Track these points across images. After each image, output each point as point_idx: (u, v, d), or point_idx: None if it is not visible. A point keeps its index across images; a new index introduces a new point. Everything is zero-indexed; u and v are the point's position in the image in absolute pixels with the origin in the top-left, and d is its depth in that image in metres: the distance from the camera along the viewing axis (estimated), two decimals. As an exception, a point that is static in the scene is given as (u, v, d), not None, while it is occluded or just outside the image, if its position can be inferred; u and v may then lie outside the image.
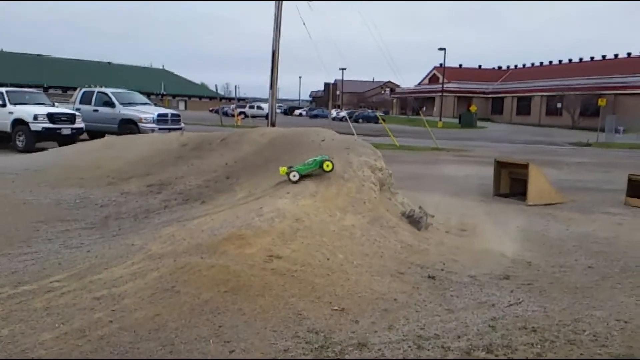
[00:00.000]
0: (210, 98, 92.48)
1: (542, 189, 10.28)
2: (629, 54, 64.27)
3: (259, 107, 63.02)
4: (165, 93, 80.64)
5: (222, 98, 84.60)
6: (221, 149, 9.70)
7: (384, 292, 4.80)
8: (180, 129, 18.87)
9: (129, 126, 18.96)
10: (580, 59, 71.26)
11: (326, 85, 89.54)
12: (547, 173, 11.96)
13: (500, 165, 11.42)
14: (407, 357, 3.58)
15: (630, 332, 4.11)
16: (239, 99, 74.75)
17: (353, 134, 21.88)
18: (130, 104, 20.54)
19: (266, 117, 27.57)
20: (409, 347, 3.73)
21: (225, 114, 58.00)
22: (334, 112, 58.69)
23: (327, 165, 6.76)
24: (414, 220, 6.94)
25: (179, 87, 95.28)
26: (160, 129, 18.56)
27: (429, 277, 5.31)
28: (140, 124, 19.01)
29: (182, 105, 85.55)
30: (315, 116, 70.10)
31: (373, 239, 6.04)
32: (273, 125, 22.17)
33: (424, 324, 4.15)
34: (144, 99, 22.73)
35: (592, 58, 69.51)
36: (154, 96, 66.67)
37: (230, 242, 5.09)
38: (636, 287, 5.26)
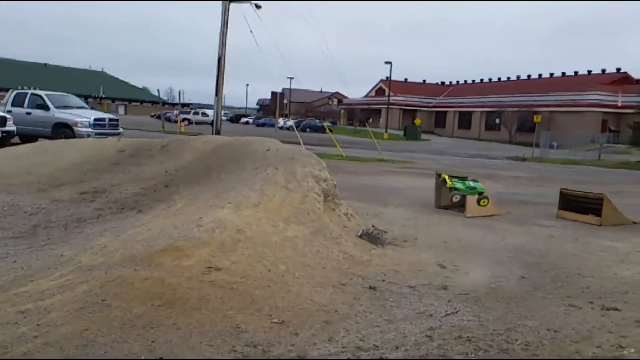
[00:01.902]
0: (153, 103, 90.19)
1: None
2: (563, 74, 67.77)
3: (204, 114, 62.04)
4: (104, 96, 78.11)
5: (165, 103, 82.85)
6: (161, 156, 9.47)
7: (325, 303, 4.80)
8: (118, 134, 18.34)
9: (63, 130, 18.24)
10: (518, 77, 74.52)
11: (273, 93, 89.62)
12: (485, 186, 12.39)
13: (440, 178, 11.72)
14: (346, 369, 3.60)
15: (559, 342, 4.29)
16: (183, 105, 73.51)
17: (300, 144, 21.95)
18: (65, 107, 19.76)
19: (211, 124, 27.18)
20: (348, 358, 3.74)
21: (168, 119, 56.76)
22: (281, 121, 58.65)
23: (484, 202, 7.30)
24: (374, 238, 7.07)
25: (119, 90, 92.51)
26: (96, 134, 17.98)
27: (370, 288, 5.36)
28: (75, 129, 18.33)
29: (122, 110, 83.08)
30: (262, 125, 69.81)
31: (316, 250, 6.05)
32: (218, 133, 21.93)
33: (364, 335, 4.18)
34: (81, 102, 21.96)
35: (529, 76, 72.87)
36: (92, 99, 64.48)
37: (166, 253, 4.96)
38: (566, 297, 5.51)
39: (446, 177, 7.17)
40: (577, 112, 54.39)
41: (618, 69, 61.68)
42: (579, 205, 10.80)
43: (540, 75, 71.11)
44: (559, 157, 37.25)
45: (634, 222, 10.46)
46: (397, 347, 3.98)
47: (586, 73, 64.54)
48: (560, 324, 4.68)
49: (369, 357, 3.77)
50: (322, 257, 5.87)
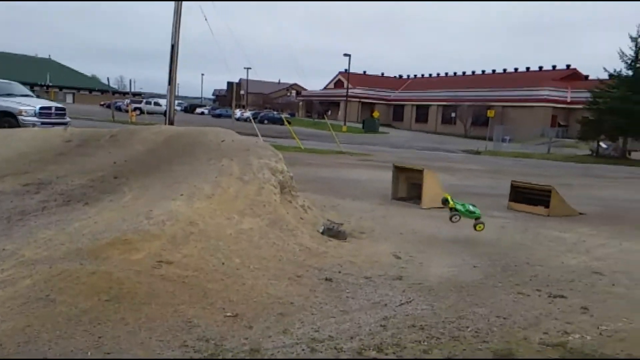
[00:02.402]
0: (102, 92, 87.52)
1: (436, 193, 10.78)
2: (516, 70, 69.72)
3: (157, 104, 60.57)
4: (51, 84, 75.36)
5: (115, 92, 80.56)
6: (110, 147, 9.20)
7: (281, 296, 4.79)
8: (65, 123, 17.70)
9: (6, 119, 17.43)
10: (473, 72, 76.16)
11: (229, 84, 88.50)
12: (441, 178, 12.61)
13: (398, 170, 11.86)
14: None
15: (508, 328, 4.42)
16: (134, 94, 71.74)
17: (257, 135, 21.79)
18: (8, 95, 18.89)
19: (164, 114, 26.59)
20: (302, 350, 3.74)
21: (119, 109, 55.23)
22: (238, 112, 58.06)
23: (479, 227, 7.56)
24: (337, 233, 7.06)
25: (67, 78, 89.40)
26: (42, 123, 17.29)
27: (326, 279, 5.37)
28: (19, 117, 17.56)
29: (69, 99, 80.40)
30: (219, 115, 68.84)
31: (272, 242, 6.01)
32: (171, 123, 21.44)
33: (319, 326, 4.18)
34: (25, 90, 21.04)
35: (483, 72, 74.57)
36: (38, 88, 62.12)
37: (114, 247, 4.83)
38: (515, 285, 5.68)
39: (448, 197, 7.38)
40: (528, 107, 56.09)
41: (568, 66, 63.89)
42: (529, 197, 11.13)
43: (494, 71, 72.91)
44: (511, 150, 38.33)
45: (580, 213, 10.87)
46: (352, 337, 4.00)
47: (538, 69, 66.56)
48: (510, 311, 4.82)
49: (323, 348, 3.78)
50: (278, 250, 5.85)
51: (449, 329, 4.30)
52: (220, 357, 3.55)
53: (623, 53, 35.39)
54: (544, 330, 4.42)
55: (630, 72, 35.34)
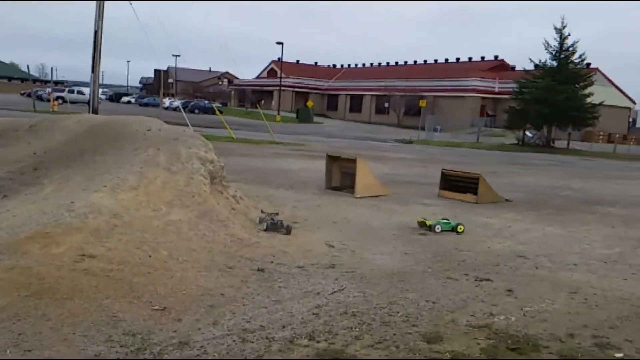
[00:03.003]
0: (23, 80, 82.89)
1: (368, 182, 11.01)
2: (446, 60, 71.79)
3: (80, 92, 57.92)
4: (-36, 72, 70.47)
5: (36, 80, 76.43)
6: (29, 137, 8.73)
7: (211, 287, 4.74)
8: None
9: None
10: (405, 63, 77.77)
11: (157, 71, 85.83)
12: (373, 167, 12.86)
13: (331, 160, 11.97)
14: (231, 351, 3.58)
15: (437, 312, 4.59)
16: (56, 82, 68.21)
17: (187, 125, 21.31)
18: None
19: (88, 103, 25.52)
20: (233, 341, 3.72)
21: (40, 98, 52.38)
22: (166, 101, 56.49)
23: (460, 228, 7.96)
24: (280, 227, 6.94)
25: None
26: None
27: (259, 270, 5.37)
28: None
29: (-14, 87, 75.50)
30: (146, 104, 66.74)
31: (201, 234, 5.94)
32: (95, 112, 20.57)
33: (250, 317, 4.18)
34: None
35: (415, 62, 76.31)
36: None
37: (34, 240, 4.62)
38: (444, 270, 5.90)
39: (421, 220, 8.13)
40: (458, 97, 57.94)
41: (496, 57, 66.42)
42: (458, 185, 11.56)
43: (425, 61, 74.75)
44: (442, 139, 39.53)
45: (507, 200, 11.41)
46: (284, 327, 4.03)
47: (467, 60, 68.85)
48: (438, 296, 5.01)
49: (255, 338, 3.78)
50: (208, 241, 5.78)
51: (380, 314, 4.42)
52: (147, 351, 3.48)
53: (548, 44, 37.15)
54: (470, 313, 4.62)
55: (554, 63, 37.15)
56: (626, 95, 55.96)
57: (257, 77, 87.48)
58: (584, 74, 37.90)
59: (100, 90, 29.75)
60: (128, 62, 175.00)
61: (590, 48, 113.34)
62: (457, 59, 70.34)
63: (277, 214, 7.37)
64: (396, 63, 79.29)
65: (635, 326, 4.50)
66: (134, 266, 4.78)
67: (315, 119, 59.77)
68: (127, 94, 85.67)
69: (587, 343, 4.09)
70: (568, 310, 4.86)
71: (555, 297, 5.19)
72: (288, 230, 6.93)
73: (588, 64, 41.76)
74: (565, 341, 4.11)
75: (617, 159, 32.37)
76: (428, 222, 7.95)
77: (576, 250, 7.30)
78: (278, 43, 58.15)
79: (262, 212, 7.55)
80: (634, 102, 56.82)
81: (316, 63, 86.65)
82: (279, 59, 61.53)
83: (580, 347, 4.01)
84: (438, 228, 7.88)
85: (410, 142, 36.40)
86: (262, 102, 67.18)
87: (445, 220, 8.10)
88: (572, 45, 36.78)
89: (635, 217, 10.36)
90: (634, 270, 6.41)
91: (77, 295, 4.10)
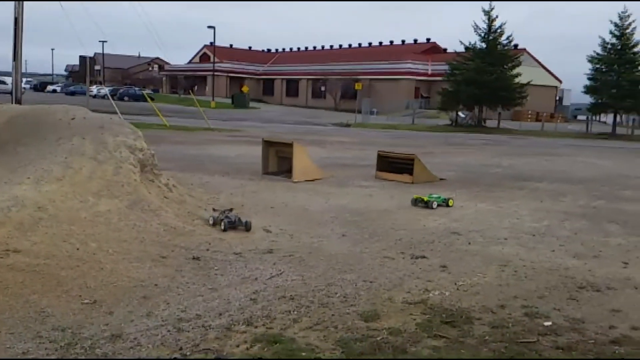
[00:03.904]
0: None
1: (305, 166, 11.03)
2: (380, 43, 72.64)
3: (2, 82, 54.85)
4: None
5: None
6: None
7: (144, 278, 4.64)
8: None
9: None
10: (340, 46, 78.11)
11: (82, 58, 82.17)
12: (312, 151, 12.90)
13: (268, 145, 11.90)
14: (166, 341, 3.52)
15: (374, 291, 4.69)
16: (-27, 72, 64.07)
17: (116, 113, 20.58)
18: None
19: (11, 93, 24.16)
20: (168, 331, 3.66)
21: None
22: (94, 89, 54.35)
23: (450, 202, 8.79)
24: (241, 224, 6.50)
25: None
26: None
27: (194, 258, 5.30)
28: None
29: None
30: (73, 93, 63.86)
31: (132, 224, 5.78)
32: (19, 102, 19.52)
33: (186, 306, 4.12)
34: None
35: (350, 45, 76.77)
36: None
37: (-50, 237, 4.35)
38: (381, 250, 6.03)
39: (416, 197, 8.86)
40: (393, 80, 58.88)
41: (428, 39, 67.84)
42: (395, 166, 11.79)
43: (360, 45, 75.35)
44: (379, 122, 40.10)
45: (441, 179, 11.75)
46: (220, 314, 4.00)
47: (400, 43, 69.94)
48: (376, 275, 5.11)
49: (191, 327, 3.73)
50: (139, 231, 5.63)
51: (318, 296, 4.46)
52: (78, 346, 3.38)
53: (477, 26, 38.27)
54: (407, 290, 4.75)
55: (484, 45, 38.37)
56: (553, 75, 58.60)
57: (190, 62, 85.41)
58: (512, 55, 39.37)
59: (24, 80, 28.18)
60: (52, 49, 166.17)
61: (519, 30, 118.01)
62: (391, 42, 71.33)
63: (230, 210, 6.82)
64: (331, 47, 79.49)
65: (563, 295, 4.76)
66: (62, 260, 4.61)
67: (252, 104, 59.21)
68: (52, 83, 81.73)
69: (517, 313, 4.30)
70: (499, 282, 5.08)
71: (486, 271, 5.42)
72: (248, 227, 6.47)
73: (516, 45, 43.36)
74: (497, 312, 4.30)
75: (545, 136, 33.97)
76: (425, 198, 8.65)
77: (506, 225, 7.62)
78: (210, 27, 56.89)
79: (213, 210, 6.94)
80: (560, 81, 59.60)
81: (250, 47, 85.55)
82: (211, 43, 60.26)
83: (510, 317, 4.21)
84: (434, 204, 8.55)
85: (348, 125, 36.72)
86: (196, 88, 65.75)
87: (436, 196, 8.85)
88: (500, 27, 38.08)
89: (562, 191, 10.92)
90: (561, 242, 6.77)
91: (1, 292, 3.93)
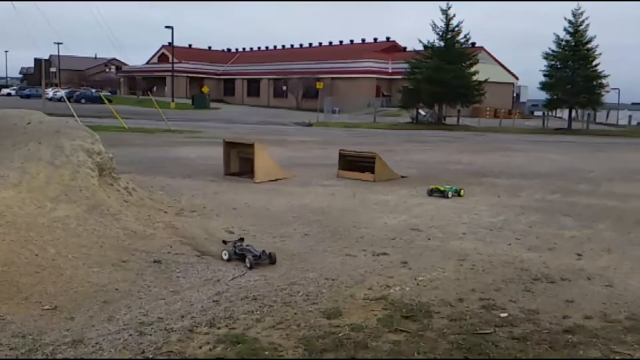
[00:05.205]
0: None
1: (267, 167, 11.07)
2: (340, 42, 73.01)
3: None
4: None
5: None
6: None
7: (104, 283, 4.61)
8: None
9: None
10: (301, 45, 78.16)
11: (37, 60, 79.93)
12: (274, 151, 12.95)
13: (229, 146, 11.87)
14: (128, 345, 3.52)
15: (336, 288, 4.78)
16: None
17: (73, 116, 20.15)
18: None
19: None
20: (130, 335, 3.67)
21: None
22: (50, 92, 53.04)
23: (462, 192, 9.85)
24: (267, 257, 5.42)
25: None
26: None
27: (155, 261, 5.28)
28: None
29: None
30: (28, 96, 62.22)
31: (92, 229, 5.72)
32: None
33: (147, 310, 4.13)
34: None
35: (310, 44, 76.92)
36: None
37: None
38: (343, 248, 6.13)
39: (433, 187, 9.90)
40: (354, 79, 59.31)
41: (388, 38, 68.60)
42: (356, 164, 11.93)
43: (320, 44, 75.58)
44: (341, 121, 40.38)
45: (402, 177, 11.96)
46: (183, 317, 4.02)
47: (361, 42, 70.47)
48: (338, 273, 5.21)
49: (153, 331, 3.74)
50: (99, 236, 5.58)
51: (281, 296, 4.53)
52: (39, 352, 3.36)
53: (435, 25, 39.01)
54: (368, 287, 4.86)
55: (442, 43, 39.10)
56: (510, 72, 60.05)
57: (148, 62, 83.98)
58: (470, 53, 40.27)
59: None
60: (6, 52, 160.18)
61: (477, 29, 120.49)
62: (351, 41, 71.76)
63: (241, 239, 5.83)
64: (292, 46, 79.45)
65: (519, 287, 4.94)
66: (20, 266, 4.56)
67: (213, 104, 58.70)
68: (6, 86, 79.27)
69: (474, 306, 4.45)
70: (457, 276, 5.24)
71: (445, 265, 5.58)
72: (273, 260, 5.41)
73: (473, 44, 44.31)
74: (455, 305, 4.44)
75: (503, 132, 34.85)
76: (441, 188, 9.73)
77: (465, 220, 7.84)
78: (167, 27, 56.09)
79: (223, 242, 5.81)
80: (517, 78, 61.14)
81: (210, 47, 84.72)
82: (169, 43, 59.45)
83: (468, 310, 4.35)
84: (449, 194, 9.63)
85: (310, 124, 36.81)
86: (155, 89, 64.77)
87: (449, 187, 9.90)
88: (457, 26, 38.90)
89: (519, 186, 11.27)
90: (517, 235, 7.00)
91: (-43, 301, 3.86)
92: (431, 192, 9.76)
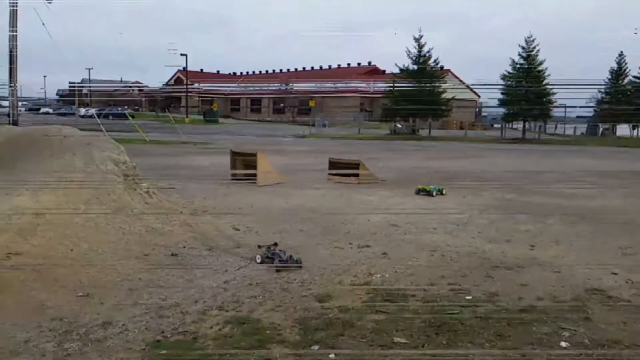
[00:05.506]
0: None
1: (268, 172, 11.06)
2: (329, 66, 73.20)
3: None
4: None
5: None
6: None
7: (129, 273, 4.60)
8: None
9: None
10: (296, 69, 78.27)
11: (71, 84, 79.55)
12: (274, 159, 12.92)
13: (234, 155, 11.88)
14: (150, 327, 3.52)
15: (327, 276, 4.79)
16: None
17: (102, 130, 20.04)
18: None
19: (8, 115, 23.31)
20: (151, 317, 3.67)
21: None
22: (82, 110, 52.72)
23: (444, 191, 9.83)
24: (294, 260, 5.13)
25: None
26: None
27: (172, 254, 5.27)
28: None
29: None
30: (64, 114, 61.77)
31: (118, 227, 5.70)
32: (15, 124, 18.87)
33: (166, 296, 4.12)
34: None
35: (304, 68, 77.07)
36: None
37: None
38: (333, 241, 6.13)
39: (421, 187, 9.89)
40: (342, 97, 59.40)
41: (369, 62, 68.80)
42: (343, 169, 11.94)
43: (312, 67, 75.74)
44: (330, 133, 40.36)
45: (382, 180, 11.97)
46: (196, 301, 4.02)
47: (346, 66, 70.67)
48: (328, 263, 5.22)
49: (170, 314, 3.74)
50: (124, 233, 5.56)
51: (280, 283, 4.54)
52: (74, 333, 3.35)
53: (409, 51, 39.18)
54: (354, 274, 4.87)
55: (415, 67, 39.27)
56: (473, 90, 60.37)
57: (166, 84, 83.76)
58: (439, 75, 40.45)
59: (20, 103, 27.07)
60: (44, 76, 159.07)
61: (444, 51, 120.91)
62: (339, 65, 71.99)
63: (275, 244, 5.64)
64: (288, 70, 79.56)
65: (481, 274, 4.96)
66: (58, 259, 4.56)
67: (221, 120, 58.57)
68: (45, 105, 78.95)
69: (444, 290, 4.47)
70: (429, 265, 5.26)
71: (419, 256, 5.59)
72: (299, 263, 5.12)
73: (442, 67, 44.51)
74: (428, 290, 4.46)
75: (467, 142, 34.91)
76: (427, 188, 9.75)
77: (436, 217, 7.83)
78: (182, 55, 56.09)
79: (258, 247, 5.63)
80: (478, 96, 61.43)
81: (218, 71, 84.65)
82: (184, 68, 59.35)
83: (439, 293, 4.38)
84: (434, 192, 9.62)
85: (304, 136, 36.77)
86: (172, 106, 64.57)
87: (433, 187, 9.89)
88: (429, 51, 39.06)
89: (481, 187, 11.25)
90: (479, 229, 7.02)
91: (6, 289, 3.89)
92: (418, 192, 9.77)
